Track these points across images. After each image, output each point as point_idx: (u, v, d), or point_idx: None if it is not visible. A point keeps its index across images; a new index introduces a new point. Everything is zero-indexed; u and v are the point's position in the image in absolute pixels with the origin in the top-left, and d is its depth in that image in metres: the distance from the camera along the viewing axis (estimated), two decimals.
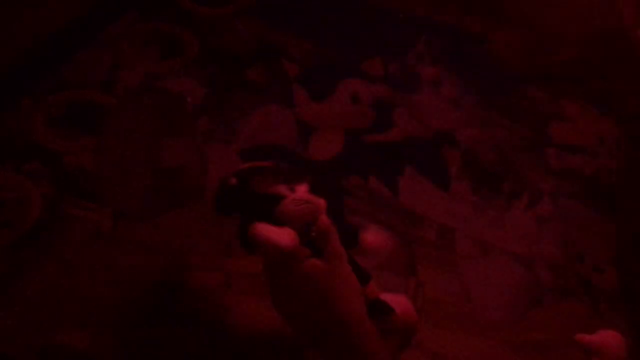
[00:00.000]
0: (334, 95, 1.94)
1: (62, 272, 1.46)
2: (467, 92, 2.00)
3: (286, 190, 1.27)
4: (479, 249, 1.63)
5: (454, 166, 1.80)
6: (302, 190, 1.28)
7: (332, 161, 1.77)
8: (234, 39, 2.07)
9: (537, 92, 2.03)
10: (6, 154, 1.67)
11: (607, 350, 1.37)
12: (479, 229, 1.67)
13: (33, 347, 1.34)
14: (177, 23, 2.08)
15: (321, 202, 1.26)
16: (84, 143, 1.72)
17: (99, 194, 1.61)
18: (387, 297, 1.33)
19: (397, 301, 1.34)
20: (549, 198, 1.76)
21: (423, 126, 1.89)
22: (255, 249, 1.25)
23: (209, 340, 1.38)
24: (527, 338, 1.47)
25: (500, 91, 2.02)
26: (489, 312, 1.50)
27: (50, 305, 1.41)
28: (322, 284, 1.21)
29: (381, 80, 2.00)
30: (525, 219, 1.71)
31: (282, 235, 1.20)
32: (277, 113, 1.88)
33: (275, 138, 1.81)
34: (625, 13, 2.21)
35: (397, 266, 1.56)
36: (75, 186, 1.62)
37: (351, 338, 1.22)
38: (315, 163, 1.76)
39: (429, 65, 2.07)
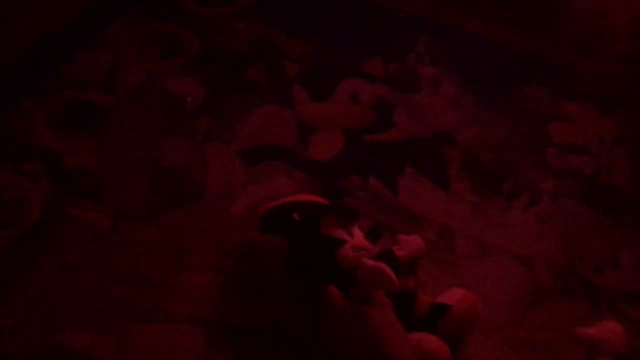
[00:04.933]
0: (334, 95, 1.94)
1: (62, 272, 1.46)
2: (467, 92, 2.00)
3: (346, 235, 1.37)
4: (479, 249, 1.63)
5: (454, 166, 1.80)
6: (359, 235, 1.38)
7: (332, 161, 1.77)
8: (234, 39, 2.07)
9: (537, 92, 2.03)
10: (6, 154, 1.67)
11: (608, 341, 1.38)
12: (479, 229, 1.67)
13: (33, 347, 1.34)
14: (177, 23, 2.08)
15: (374, 249, 1.38)
16: (84, 143, 1.72)
17: (99, 194, 1.62)
18: (441, 298, 1.41)
19: (451, 295, 1.41)
20: (549, 198, 1.76)
21: (423, 126, 1.89)
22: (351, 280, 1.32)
23: (208, 340, 1.38)
24: (527, 338, 1.47)
25: (500, 91, 2.02)
26: (489, 312, 1.50)
27: (50, 305, 1.41)
28: (375, 331, 1.29)
29: (381, 80, 2.00)
30: (525, 219, 1.71)
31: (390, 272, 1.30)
32: (277, 113, 1.88)
33: (275, 138, 1.81)
34: None
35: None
36: (75, 186, 1.63)
37: None
38: (315, 163, 1.76)
39: (429, 65, 2.07)
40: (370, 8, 2.24)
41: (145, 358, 1.35)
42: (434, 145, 1.85)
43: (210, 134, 1.79)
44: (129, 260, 1.50)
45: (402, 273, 1.47)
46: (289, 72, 1.99)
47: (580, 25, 2.24)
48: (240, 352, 1.37)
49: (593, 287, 1.58)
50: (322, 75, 2.00)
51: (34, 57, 1.92)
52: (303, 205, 1.44)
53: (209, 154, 1.74)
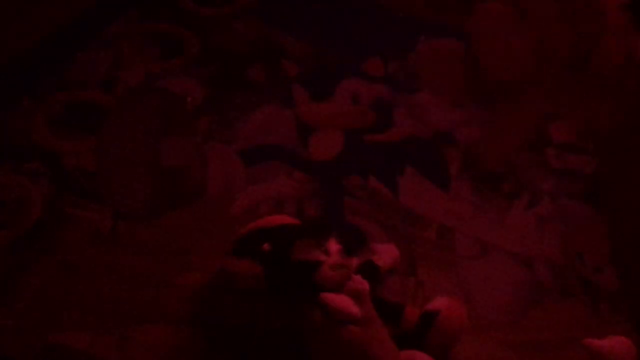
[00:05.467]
0: (334, 95, 1.94)
1: (62, 272, 1.46)
2: (467, 92, 2.00)
3: (321, 255, 1.28)
4: (479, 249, 1.63)
5: (454, 166, 1.80)
6: (334, 250, 1.29)
7: (332, 161, 1.77)
8: (234, 39, 2.07)
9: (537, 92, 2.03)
10: (6, 154, 1.67)
11: (617, 356, 1.36)
12: (479, 229, 1.67)
13: (33, 347, 1.34)
14: (177, 23, 2.08)
15: (353, 262, 1.31)
16: (83, 143, 1.72)
17: (99, 194, 1.62)
18: (429, 306, 1.37)
19: (436, 303, 1.37)
20: (549, 198, 1.76)
21: (423, 126, 1.89)
22: None
23: (208, 340, 1.38)
24: (527, 338, 1.47)
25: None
26: (489, 312, 1.50)
27: (50, 305, 1.41)
28: (361, 350, 1.24)
29: (381, 80, 2.00)
30: (525, 219, 1.71)
31: (350, 305, 1.24)
32: (277, 113, 1.88)
33: (275, 138, 1.81)
34: None
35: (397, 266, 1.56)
36: (75, 186, 1.63)
37: None
38: (315, 163, 1.76)
39: None
40: (371, 8, 2.24)
41: (145, 358, 1.35)
42: (434, 145, 1.85)
43: (210, 134, 1.79)
44: (129, 260, 1.50)
45: (381, 282, 1.46)
46: (289, 72, 1.99)
47: None
48: (240, 352, 1.37)
49: (593, 287, 1.58)
50: (322, 75, 2.00)
51: (34, 57, 1.92)
52: (273, 231, 1.37)
53: (209, 154, 1.74)
